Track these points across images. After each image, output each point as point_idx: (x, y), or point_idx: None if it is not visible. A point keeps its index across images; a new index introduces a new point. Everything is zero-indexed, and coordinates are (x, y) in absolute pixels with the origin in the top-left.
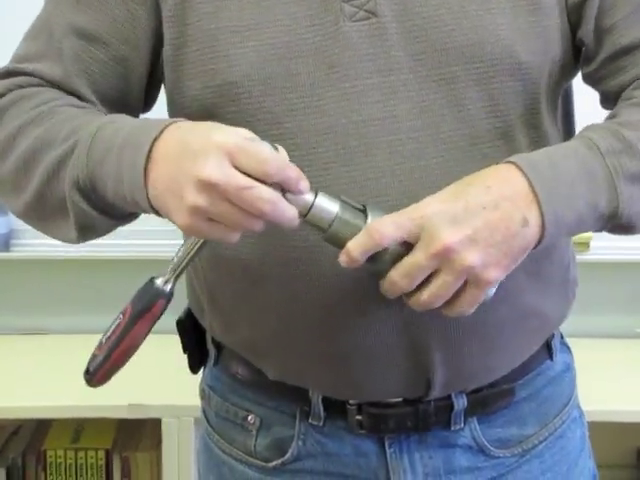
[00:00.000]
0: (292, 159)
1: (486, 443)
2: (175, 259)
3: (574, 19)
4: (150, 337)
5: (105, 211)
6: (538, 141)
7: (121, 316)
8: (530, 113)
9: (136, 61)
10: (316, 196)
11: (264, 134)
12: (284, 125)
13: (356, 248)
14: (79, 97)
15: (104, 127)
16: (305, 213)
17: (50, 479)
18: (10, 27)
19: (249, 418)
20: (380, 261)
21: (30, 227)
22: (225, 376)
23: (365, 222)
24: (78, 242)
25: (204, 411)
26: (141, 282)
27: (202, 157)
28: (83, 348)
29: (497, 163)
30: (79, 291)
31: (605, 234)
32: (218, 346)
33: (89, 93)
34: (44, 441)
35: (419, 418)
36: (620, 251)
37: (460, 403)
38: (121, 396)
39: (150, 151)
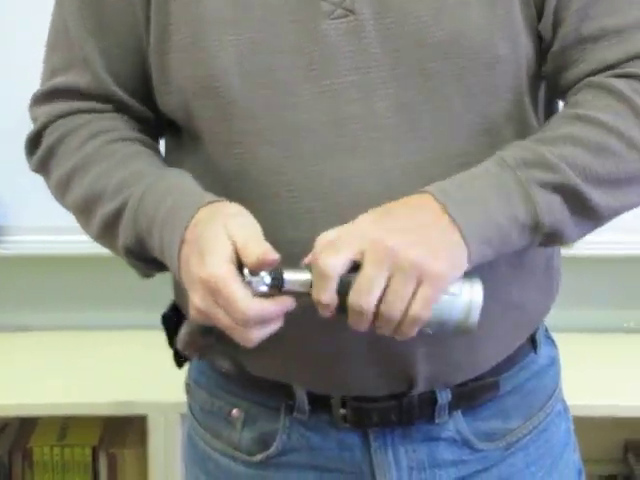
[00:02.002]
0: (269, 156)
1: (470, 436)
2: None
3: (538, 13)
4: (134, 333)
5: (161, 264)
6: (522, 134)
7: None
8: (511, 107)
9: (147, 49)
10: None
11: (241, 129)
12: (260, 121)
13: (320, 294)
14: (115, 102)
15: (147, 194)
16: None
17: (37, 476)
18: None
19: (234, 412)
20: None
21: (15, 224)
22: (210, 370)
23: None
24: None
25: (189, 405)
26: (126, 279)
27: (192, 289)
28: (68, 345)
29: (477, 159)
30: (62, 288)
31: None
32: None
33: (120, 92)
34: (30, 439)
35: (403, 412)
36: (606, 245)
37: (444, 397)
38: (107, 393)
39: (182, 240)
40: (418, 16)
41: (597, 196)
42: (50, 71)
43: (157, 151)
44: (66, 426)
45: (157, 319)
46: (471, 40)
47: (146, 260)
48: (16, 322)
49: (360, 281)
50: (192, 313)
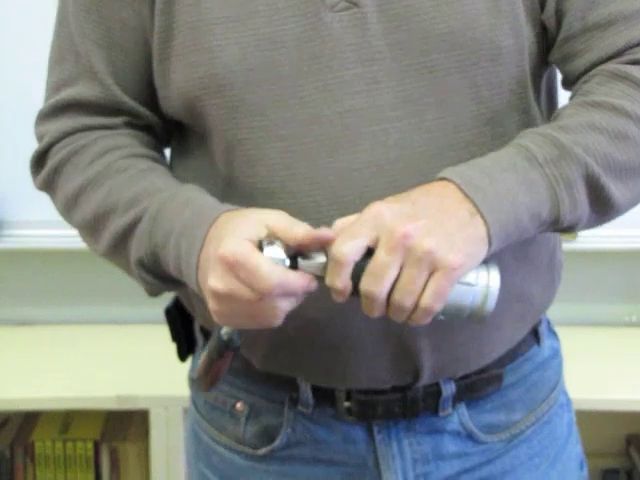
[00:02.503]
0: (276, 150)
1: (474, 429)
2: None
3: (541, 2)
4: (137, 328)
5: (171, 281)
6: (526, 124)
7: (204, 356)
8: (515, 97)
9: (151, 62)
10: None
11: (248, 125)
12: (268, 116)
13: (334, 280)
14: (125, 112)
15: (165, 207)
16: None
17: (39, 470)
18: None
19: (238, 406)
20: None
21: (16, 218)
22: None
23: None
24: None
25: (193, 400)
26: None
27: (211, 270)
28: (70, 339)
29: (482, 150)
30: (66, 282)
31: None
32: (206, 334)
33: (129, 101)
34: (32, 432)
35: (407, 404)
36: (609, 239)
37: (448, 389)
38: (109, 387)
39: (203, 244)
40: (421, 8)
41: (616, 190)
42: (56, 86)
43: (167, 167)
44: (68, 420)
45: (160, 314)
46: (474, 32)
47: (157, 276)
48: (18, 316)
49: (372, 267)
50: (210, 302)
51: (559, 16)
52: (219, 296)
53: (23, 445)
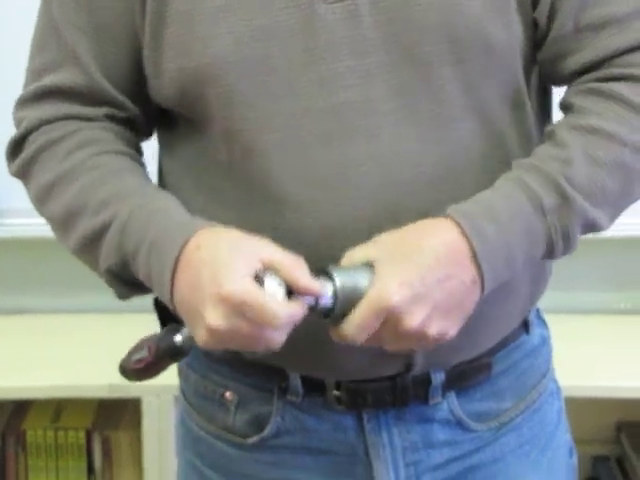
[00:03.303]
0: (269, 142)
1: (464, 417)
2: None
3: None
4: (129, 316)
5: (139, 286)
6: (517, 118)
7: (146, 353)
8: (507, 91)
9: (141, 51)
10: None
11: (242, 117)
12: (261, 108)
13: (337, 337)
14: (108, 102)
15: (134, 216)
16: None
17: (30, 459)
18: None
19: (227, 394)
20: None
21: (11, 206)
22: (203, 354)
23: (337, 287)
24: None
25: (182, 389)
26: None
27: (210, 308)
28: (62, 328)
29: (474, 143)
30: (58, 271)
31: None
32: None
33: (113, 90)
34: (24, 421)
35: (397, 393)
36: None
37: (438, 378)
38: (101, 376)
39: (176, 264)
40: (414, 0)
41: (608, 219)
42: (37, 71)
43: (143, 165)
44: (60, 409)
45: (150, 303)
46: (467, 24)
47: (127, 283)
48: (11, 305)
49: (373, 335)
50: (204, 334)
51: (551, 14)
52: (219, 333)
53: (15, 434)
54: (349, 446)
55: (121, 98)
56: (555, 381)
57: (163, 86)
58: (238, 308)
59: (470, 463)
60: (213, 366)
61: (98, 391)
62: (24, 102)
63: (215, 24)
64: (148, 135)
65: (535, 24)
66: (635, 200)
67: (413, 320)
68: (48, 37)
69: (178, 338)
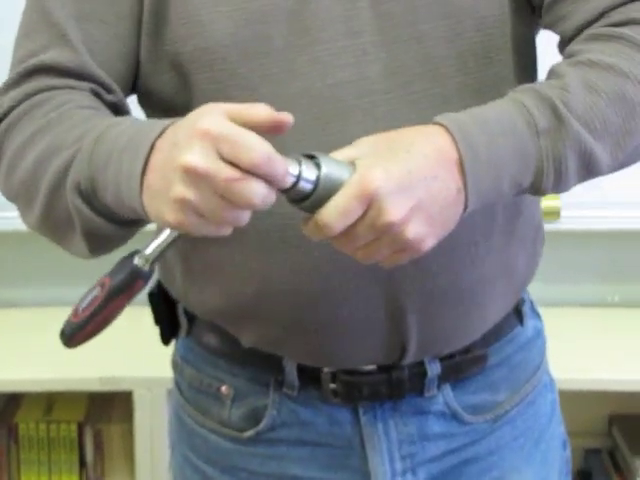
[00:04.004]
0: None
1: (459, 410)
2: (158, 240)
3: None
4: None
5: (109, 217)
6: None
7: (99, 288)
8: (501, 67)
9: (136, 37)
10: (299, 176)
11: (239, 100)
12: (259, 91)
13: (313, 233)
14: (96, 81)
15: (108, 131)
16: (288, 190)
17: (22, 452)
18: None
19: (223, 388)
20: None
21: (0, 199)
22: (198, 347)
23: (321, 173)
24: (91, 256)
25: (177, 383)
26: (112, 255)
27: (187, 147)
28: (54, 321)
29: None
30: (49, 264)
31: (575, 203)
32: (190, 317)
33: (102, 73)
34: (16, 414)
35: (393, 385)
36: (591, 220)
37: (433, 369)
38: (93, 369)
39: (148, 157)
40: None
41: (607, 156)
42: (23, 58)
43: None
44: (52, 402)
45: (144, 295)
46: (460, 1)
47: (94, 208)
48: (2, 298)
49: (347, 232)
50: (173, 216)
51: None
52: (195, 175)
53: (7, 427)
54: (345, 439)
55: (109, 80)
56: (549, 374)
57: (160, 72)
58: (216, 142)
59: (465, 456)
60: (209, 359)
61: (90, 384)
62: (7, 87)
63: (213, 8)
64: None
65: None
66: (638, 141)
67: (395, 210)
68: (37, 25)
69: (139, 255)
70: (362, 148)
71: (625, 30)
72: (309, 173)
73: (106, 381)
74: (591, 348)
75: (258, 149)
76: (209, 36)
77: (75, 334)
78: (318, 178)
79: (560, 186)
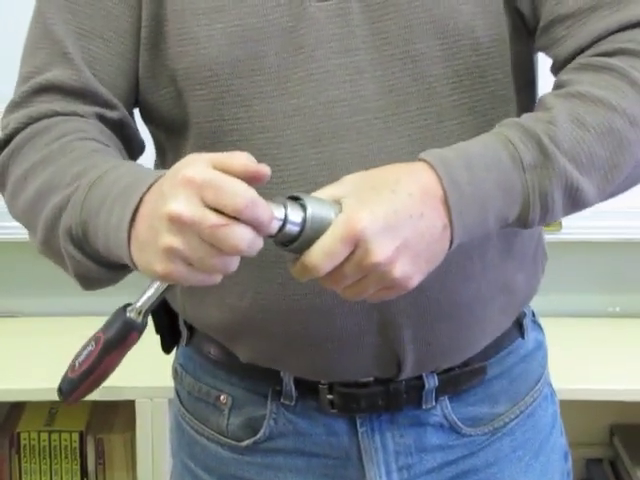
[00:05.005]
0: (261, 142)
1: (457, 421)
2: (148, 292)
3: None
4: None
5: (100, 261)
6: (506, 114)
7: (93, 344)
8: (497, 87)
9: (136, 53)
10: (285, 219)
11: (233, 116)
12: (252, 107)
13: (300, 275)
14: (99, 99)
15: (103, 177)
16: (275, 234)
17: (24, 461)
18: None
19: (221, 398)
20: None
21: (3, 209)
22: (197, 356)
23: (307, 215)
24: (86, 290)
25: (176, 391)
26: None
27: (171, 196)
28: (56, 330)
29: (463, 140)
30: (51, 274)
31: (577, 214)
32: (190, 327)
33: (105, 91)
34: (18, 424)
35: (390, 397)
36: (592, 230)
37: (431, 382)
38: None
39: (136, 210)
40: None
41: (595, 190)
42: (28, 75)
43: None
44: (54, 411)
45: None
46: (456, 21)
47: (85, 253)
48: (4, 308)
49: (335, 272)
50: (162, 267)
51: (534, 3)
52: (180, 223)
53: (8, 436)
54: (342, 450)
55: (112, 98)
56: (550, 385)
57: (157, 87)
58: (200, 189)
59: (463, 468)
60: (208, 369)
61: (92, 394)
62: (13, 106)
63: (208, 25)
64: (140, 148)
65: (522, 16)
66: (625, 174)
67: (381, 251)
68: (40, 42)
69: (131, 308)
70: (347, 187)
71: (615, 61)
72: (295, 216)
73: (108, 390)
74: (592, 358)
75: (242, 194)
76: (203, 53)
77: (73, 391)
78: (304, 220)
79: (546, 219)
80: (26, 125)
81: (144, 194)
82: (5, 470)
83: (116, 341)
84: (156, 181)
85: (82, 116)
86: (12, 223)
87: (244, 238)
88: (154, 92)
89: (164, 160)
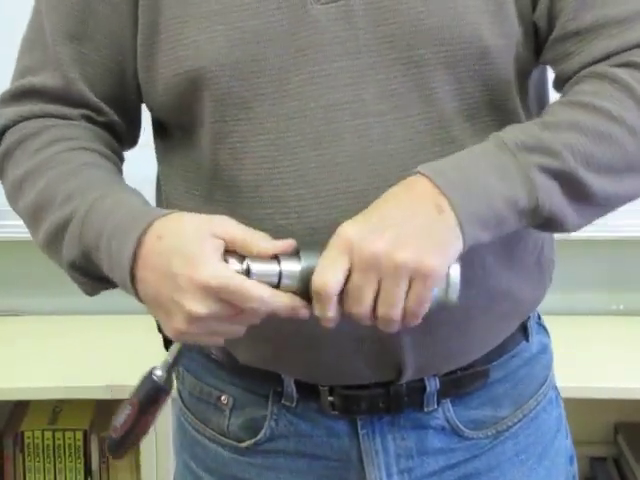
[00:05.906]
0: (261, 143)
1: (460, 425)
2: (168, 356)
3: (533, 1)
4: (126, 318)
5: (105, 280)
6: (509, 122)
7: (129, 407)
8: (499, 96)
9: (128, 57)
10: (280, 278)
11: (234, 118)
12: (253, 110)
13: (324, 311)
14: (84, 106)
15: (95, 207)
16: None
17: (28, 460)
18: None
19: (222, 398)
20: None
21: (5, 208)
22: (199, 356)
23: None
24: (90, 296)
25: (178, 391)
26: None
27: (189, 295)
28: (60, 329)
29: (465, 146)
30: (54, 273)
31: None
32: None
33: (92, 97)
34: (22, 422)
35: (391, 399)
36: (596, 228)
37: (432, 385)
38: (99, 377)
39: (135, 253)
40: (410, 2)
41: (597, 183)
42: (22, 71)
43: (117, 163)
44: (58, 410)
45: None
46: (462, 29)
47: (92, 277)
48: (8, 307)
49: (350, 291)
50: (182, 321)
51: (551, 17)
52: (199, 319)
53: (12, 435)
54: (343, 452)
55: (99, 103)
56: (555, 388)
57: (158, 92)
58: (217, 293)
59: (465, 471)
60: (209, 368)
61: (96, 392)
62: (5, 99)
63: (209, 28)
64: (132, 143)
65: (535, 28)
66: (626, 185)
67: (373, 240)
68: (35, 38)
69: (157, 372)
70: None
71: (620, 72)
72: (290, 269)
73: (112, 389)
74: (596, 356)
75: (256, 298)
76: (205, 56)
77: (117, 449)
78: (300, 272)
79: (556, 200)
80: (15, 123)
81: (140, 241)
82: (9, 469)
83: (149, 405)
84: (152, 223)
85: (68, 118)
86: (12, 222)
87: (255, 318)
88: (154, 98)
89: (165, 147)
